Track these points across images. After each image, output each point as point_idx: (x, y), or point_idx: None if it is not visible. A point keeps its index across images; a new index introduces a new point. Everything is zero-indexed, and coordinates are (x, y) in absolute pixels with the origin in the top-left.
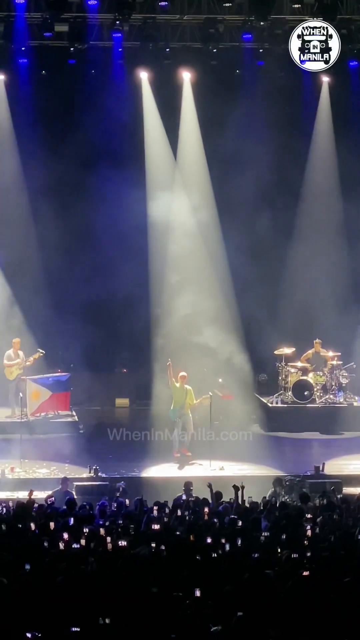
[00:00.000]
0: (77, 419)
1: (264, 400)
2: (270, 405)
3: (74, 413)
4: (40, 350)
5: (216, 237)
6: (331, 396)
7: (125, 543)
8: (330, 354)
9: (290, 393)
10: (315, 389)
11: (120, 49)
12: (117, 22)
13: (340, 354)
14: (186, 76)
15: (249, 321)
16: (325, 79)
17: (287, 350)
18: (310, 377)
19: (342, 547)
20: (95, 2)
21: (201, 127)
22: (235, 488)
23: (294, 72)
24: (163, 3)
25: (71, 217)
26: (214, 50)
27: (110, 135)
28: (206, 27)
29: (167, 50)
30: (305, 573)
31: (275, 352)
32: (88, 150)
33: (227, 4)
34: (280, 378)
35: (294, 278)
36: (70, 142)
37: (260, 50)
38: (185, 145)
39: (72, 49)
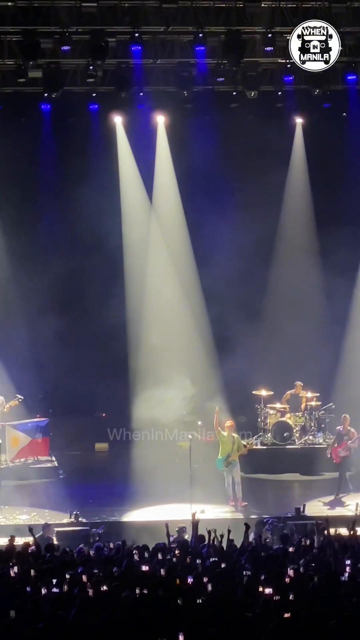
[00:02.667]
0: (56, 464)
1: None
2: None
3: (53, 458)
4: (19, 396)
5: (192, 280)
6: (311, 437)
7: (106, 587)
8: (309, 394)
9: (269, 434)
10: (294, 430)
11: (94, 94)
12: (91, 67)
13: (318, 394)
14: (160, 120)
15: (226, 362)
16: (299, 120)
17: (265, 393)
18: (289, 419)
19: (325, 589)
20: (69, 47)
21: (176, 170)
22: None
23: (267, 114)
24: (136, 47)
25: (46, 263)
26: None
27: (84, 179)
28: (179, 70)
29: (141, 94)
30: (287, 615)
31: (254, 392)
32: (64, 197)
33: (200, 48)
34: (259, 420)
35: (272, 319)
36: (44, 188)
37: (234, 93)
38: (161, 188)
39: (45, 94)
